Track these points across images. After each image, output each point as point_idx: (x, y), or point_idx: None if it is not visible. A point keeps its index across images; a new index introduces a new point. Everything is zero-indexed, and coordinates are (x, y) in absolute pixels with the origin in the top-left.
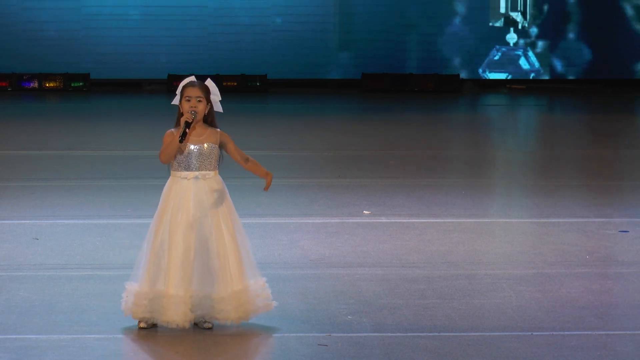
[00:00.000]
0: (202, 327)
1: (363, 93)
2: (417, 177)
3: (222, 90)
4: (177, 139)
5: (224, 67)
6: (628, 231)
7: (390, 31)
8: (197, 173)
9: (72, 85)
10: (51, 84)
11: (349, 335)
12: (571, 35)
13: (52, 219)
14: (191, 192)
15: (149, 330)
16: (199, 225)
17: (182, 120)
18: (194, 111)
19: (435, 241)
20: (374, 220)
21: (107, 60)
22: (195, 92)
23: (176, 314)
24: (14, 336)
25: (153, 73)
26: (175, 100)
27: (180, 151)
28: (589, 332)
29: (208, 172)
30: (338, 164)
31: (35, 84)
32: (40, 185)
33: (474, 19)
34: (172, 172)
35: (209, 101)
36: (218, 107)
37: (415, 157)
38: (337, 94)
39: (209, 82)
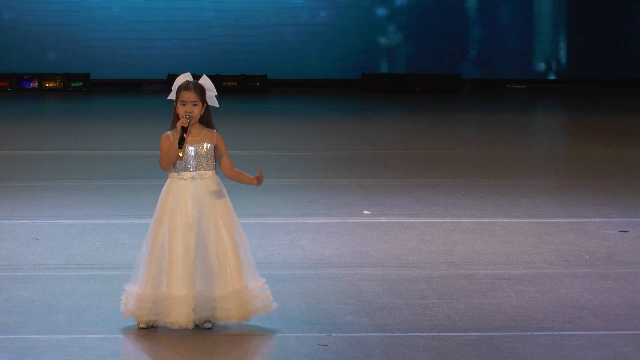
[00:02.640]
0: (202, 327)
1: (363, 93)
2: (417, 177)
3: (222, 90)
4: (176, 144)
5: (224, 67)
6: (628, 231)
7: (391, 31)
8: (194, 173)
9: (72, 85)
10: (51, 84)
11: (349, 335)
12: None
13: (52, 219)
14: (189, 192)
15: (149, 330)
16: (197, 225)
17: (178, 125)
18: (190, 115)
19: (435, 241)
20: (374, 220)
21: (107, 60)
22: (190, 97)
23: (179, 315)
24: (14, 336)
25: (153, 73)
26: (172, 96)
27: (180, 157)
28: (589, 332)
29: (205, 171)
30: (338, 164)
31: (35, 84)
32: (40, 185)
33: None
34: (169, 173)
35: (204, 102)
36: (214, 102)
37: (415, 157)
38: (337, 94)
39: (204, 80)
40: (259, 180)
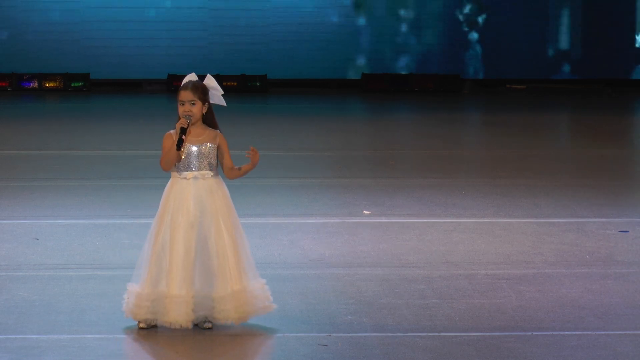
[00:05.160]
0: (202, 327)
1: (363, 93)
2: (417, 177)
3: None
4: (175, 146)
5: (224, 67)
6: (628, 231)
7: (391, 31)
8: (196, 173)
9: (72, 85)
10: (51, 84)
11: (349, 335)
12: None
13: (52, 219)
14: (190, 192)
15: (148, 330)
16: (198, 225)
17: (177, 125)
18: (188, 115)
19: (435, 241)
20: (374, 220)
21: (107, 60)
22: (187, 97)
23: (179, 314)
24: (14, 336)
25: (153, 73)
26: None
27: (179, 158)
28: (589, 332)
29: (207, 172)
30: (338, 163)
31: (35, 84)
32: (40, 185)
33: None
34: (172, 172)
35: (204, 101)
36: (220, 101)
37: (415, 157)
38: (337, 94)
39: (208, 79)
40: (254, 157)
